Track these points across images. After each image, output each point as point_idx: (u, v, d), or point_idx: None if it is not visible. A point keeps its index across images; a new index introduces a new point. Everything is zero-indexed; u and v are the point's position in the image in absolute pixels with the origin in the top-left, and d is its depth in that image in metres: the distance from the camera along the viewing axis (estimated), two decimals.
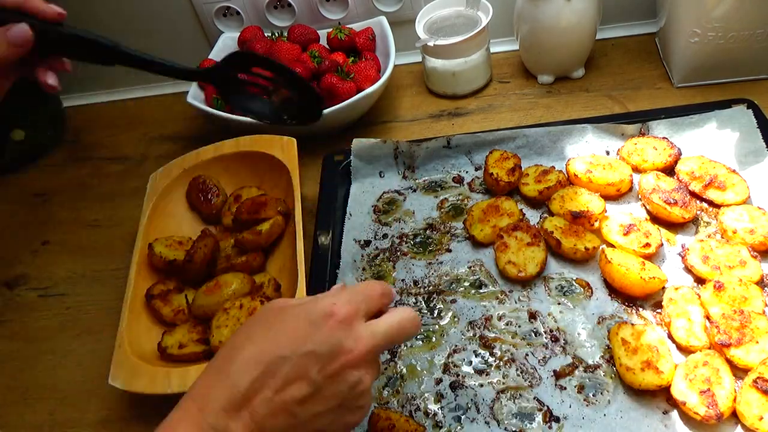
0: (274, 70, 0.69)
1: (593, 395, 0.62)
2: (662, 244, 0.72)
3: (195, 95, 0.96)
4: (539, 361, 0.66)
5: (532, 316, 0.70)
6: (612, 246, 0.73)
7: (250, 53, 0.73)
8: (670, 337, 0.65)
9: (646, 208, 0.76)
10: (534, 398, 0.63)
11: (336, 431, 0.50)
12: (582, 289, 0.71)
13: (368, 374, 0.50)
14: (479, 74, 0.99)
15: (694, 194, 0.76)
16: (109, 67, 0.64)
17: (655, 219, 0.75)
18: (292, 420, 0.47)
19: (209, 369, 0.49)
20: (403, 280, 0.76)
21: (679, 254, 0.71)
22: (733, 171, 0.76)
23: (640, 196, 0.77)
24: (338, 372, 0.48)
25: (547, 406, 0.62)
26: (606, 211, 0.75)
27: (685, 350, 0.64)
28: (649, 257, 0.71)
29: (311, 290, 0.73)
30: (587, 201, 0.75)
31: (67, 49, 0.62)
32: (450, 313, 0.72)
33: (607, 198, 0.77)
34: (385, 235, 0.81)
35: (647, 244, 0.70)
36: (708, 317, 0.64)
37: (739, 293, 0.65)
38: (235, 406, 0.46)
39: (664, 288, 0.69)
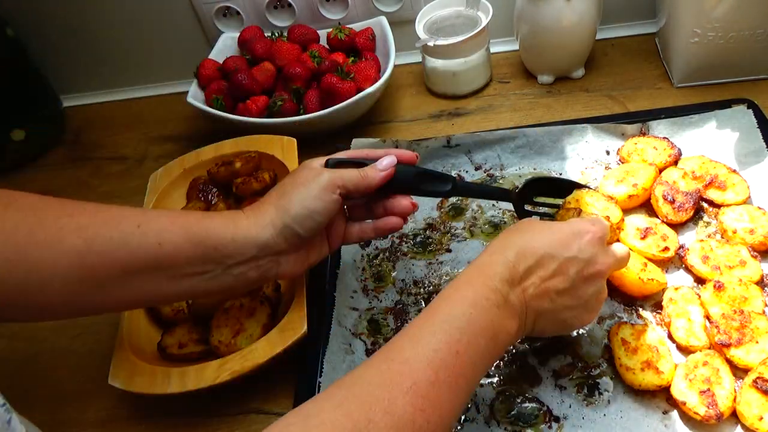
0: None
1: (593, 395, 0.62)
2: (681, 246, 0.72)
3: (195, 95, 0.96)
4: (539, 361, 0.66)
5: None
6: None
7: (553, 179, 0.80)
8: (670, 337, 0.65)
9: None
10: (534, 398, 0.63)
11: (574, 324, 0.61)
12: None
13: (605, 287, 0.60)
14: (479, 74, 0.98)
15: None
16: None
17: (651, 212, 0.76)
18: (549, 305, 0.57)
19: (491, 250, 0.57)
20: (403, 280, 0.76)
21: (679, 254, 0.71)
22: (734, 171, 0.76)
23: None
24: (591, 277, 0.58)
25: (547, 406, 0.62)
26: (624, 220, 0.74)
27: (685, 350, 0.64)
28: (668, 261, 0.71)
29: (311, 290, 0.73)
30: (605, 209, 0.74)
31: (419, 186, 0.67)
32: None
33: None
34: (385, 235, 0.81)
35: (666, 248, 0.70)
36: (708, 317, 0.64)
37: (739, 293, 0.65)
38: (514, 282, 0.54)
39: (664, 288, 0.69)
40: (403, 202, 0.66)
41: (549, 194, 0.75)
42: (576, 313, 0.59)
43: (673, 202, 0.73)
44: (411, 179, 0.66)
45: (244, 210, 0.61)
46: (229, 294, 0.61)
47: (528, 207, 0.74)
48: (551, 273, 0.56)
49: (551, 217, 0.74)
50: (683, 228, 0.74)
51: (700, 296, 0.66)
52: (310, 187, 0.60)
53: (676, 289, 0.68)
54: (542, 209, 0.75)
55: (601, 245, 0.59)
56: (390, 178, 0.63)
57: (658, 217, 0.75)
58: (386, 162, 0.64)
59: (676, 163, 0.79)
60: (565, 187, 0.75)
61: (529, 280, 0.56)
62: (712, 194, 0.75)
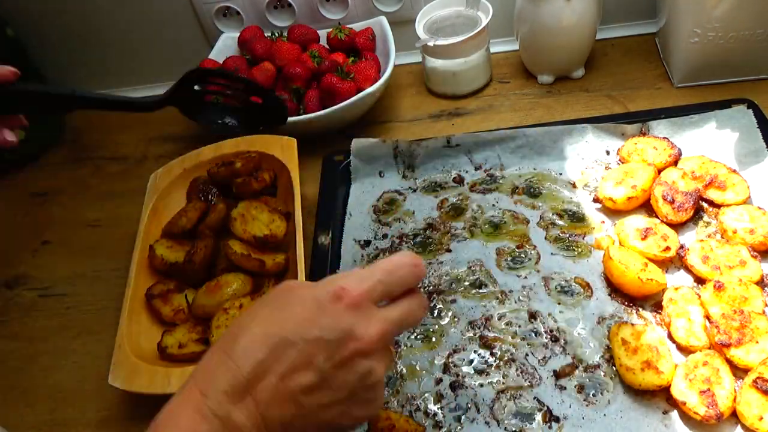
0: (231, 81, 0.71)
1: (593, 395, 0.62)
2: (681, 246, 0.72)
3: None
4: (539, 361, 0.66)
5: (532, 316, 0.69)
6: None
7: (204, 69, 0.73)
8: (670, 337, 0.65)
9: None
10: (534, 398, 0.63)
11: (345, 425, 0.47)
12: (582, 289, 0.71)
13: (380, 364, 0.47)
14: (479, 74, 0.98)
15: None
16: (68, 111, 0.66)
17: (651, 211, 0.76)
18: (297, 410, 0.44)
19: (213, 350, 0.46)
20: None
21: (679, 254, 0.71)
22: (734, 171, 0.76)
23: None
24: (347, 360, 0.45)
25: (547, 406, 0.62)
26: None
27: (685, 350, 0.64)
28: (669, 261, 0.71)
29: None
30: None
31: (22, 105, 0.63)
32: (450, 313, 0.72)
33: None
34: (385, 235, 0.81)
35: (667, 248, 0.70)
36: (708, 317, 0.64)
37: (739, 293, 0.65)
38: (239, 391, 0.43)
39: (664, 289, 0.69)
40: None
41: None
42: (341, 410, 0.46)
43: (672, 202, 0.73)
44: (7, 100, 0.62)
45: None
46: None
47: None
48: (289, 367, 0.43)
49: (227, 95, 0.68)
50: (683, 228, 0.74)
51: (700, 296, 0.66)
52: None
53: (676, 289, 0.68)
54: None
55: (357, 312, 0.45)
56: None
57: (658, 218, 0.75)
58: None
59: (676, 163, 0.79)
60: (230, 80, 0.70)
61: (261, 383, 0.43)
62: (712, 194, 0.75)
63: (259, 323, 0.45)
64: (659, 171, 0.78)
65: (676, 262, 0.71)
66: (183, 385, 0.45)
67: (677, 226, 0.74)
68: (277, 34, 1.02)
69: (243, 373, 0.43)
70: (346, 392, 0.45)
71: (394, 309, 0.48)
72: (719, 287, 0.65)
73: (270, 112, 0.70)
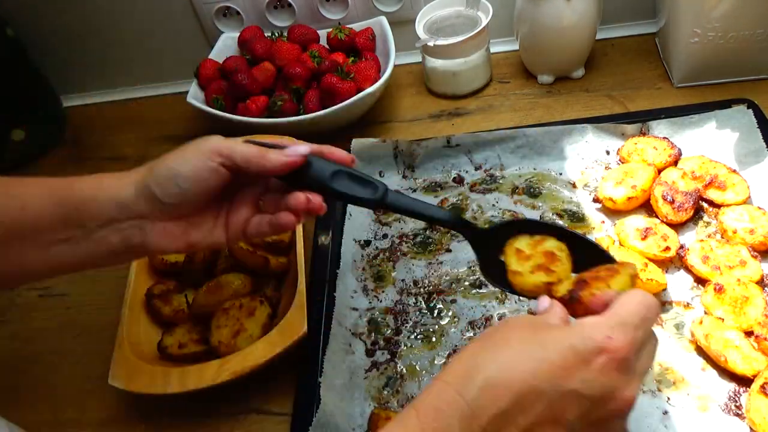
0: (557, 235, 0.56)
1: None
2: (681, 246, 0.72)
3: (195, 95, 0.96)
4: None
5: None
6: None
7: (523, 221, 0.65)
8: (728, 372, 0.62)
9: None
10: None
11: None
12: None
13: (626, 424, 0.42)
14: (479, 74, 0.98)
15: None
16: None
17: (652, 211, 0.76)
18: None
19: (441, 385, 0.40)
20: (403, 280, 0.76)
21: (679, 254, 0.71)
22: (734, 171, 0.76)
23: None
24: (603, 421, 0.40)
25: None
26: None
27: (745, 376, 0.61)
28: (669, 261, 0.71)
29: (311, 290, 0.73)
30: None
31: (333, 185, 0.54)
32: (450, 313, 0.72)
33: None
34: (385, 235, 0.81)
35: (667, 248, 0.70)
36: (749, 333, 0.63)
37: (740, 293, 0.65)
38: None
39: (664, 289, 0.69)
40: (299, 196, 0.53)
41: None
42: None
43: (672, 202, 0.73)
44: (325, 175, 0.54)
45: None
46: (94, 263, 0.56)
47: (503, 258, 0.56)
48: (535, 419, 0.38)
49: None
50: (683, 228, 0.74)
51: (702, 300, 0.66)
52: (187, 149, 0.52)
53: (700, 322, 0.64)
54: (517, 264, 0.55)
55: (625, 371, 0.40)
56: (295, 167, 0.52)
57: (658, 218, 0.75)
58: (298, 149, 0.53)
59: (676, 163, 0.79)
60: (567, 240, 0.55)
61: None
62: (712, 194, 0.75)
63: (502, 364, 0.39)
64: (659, 171, 0.78)
65: (676, 262, 0.71)
66: (401, 417, 0.40)
67: (677, 226, 0.74)
68: (277, 34, 1.02)
69: (480, 422, 0.38)
70: None
71: (647, 358, 0.43)
72: (719, 289, 0.65)
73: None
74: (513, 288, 0.54)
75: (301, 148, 0.53)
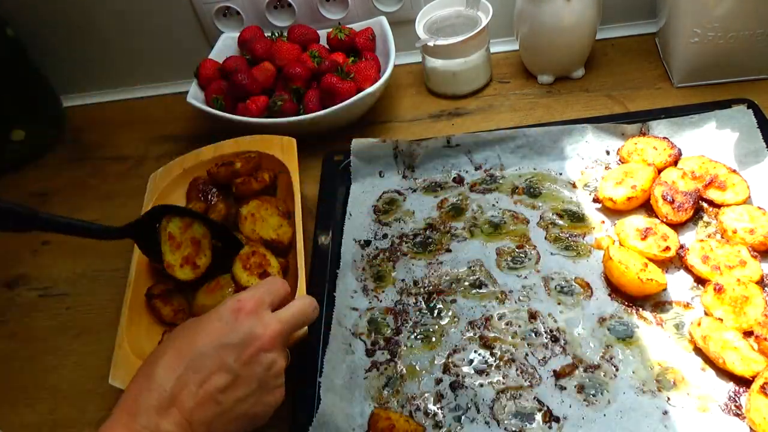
0: (194, 218, 0.72)
1: (593, 395, 0.62)
2: (681, 246, 0.72)
3: (195, 95, 0.96)
4: (539, 361, 0.66)
5: (532, 316, 0.70)
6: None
7: (167, 207, 0.73)
8: (728, 373, 0.62)
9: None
10: (534, 398, 0.63)
11: (259, 413, 0.55)
12: (582, 289, 0.71)
13: (280, 356, 0.56)
14: (479, 74, 0.98)
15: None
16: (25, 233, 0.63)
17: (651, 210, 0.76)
18: (217, 408, 0.52)
19: (134, 380, 0.53)
20: (403, 280, 0.76)
21: (679, 254, 0.71)
22: (734, 171, 0.76)
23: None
24: (253, 356, 0.54)
25: (547, 406, 0.62)
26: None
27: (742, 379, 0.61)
28: (669, 261, 0.71)
29: (311, 290, 0.73)
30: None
31: None
32: (450, 313, 0.72)
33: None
34: (385, 235, 0.81)
35: (667, 248, 0.70)
36: (748, 333, 0.63)
37: (740, 293, 0.65)
38: (165, 405, 0.50)
39: (663, 289, 0.69)
40: None
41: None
42: (254, 400, 0.54)
43: (672, 202, 0.73)
44: None
45: None
46: None
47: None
48: (206, 374, 0.51)
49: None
50: (683, 228, 0.74)
51: (702, 300, 0.66)
52: None
53: (699, 324, 0.64)
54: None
55: (255, 317, 0.55)
56: None
57: (658, 218, 0.75)
58: None
59: (676, 163, 0.79)
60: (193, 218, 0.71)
61: (183, 393, 0.51)
62: (712, 194, 0.75)
63: (174, 346, 0.53)
64: (659, 171, 0.78)
65: (676, 262, 0.71)
66: (109, 416, 0.50)
67: (677, 226, 0.74)
68: (277, 34, 1.02)
69: (166, 389, 0.50)
70: (256, 383, 0.54)
71: (287, 310, 0.58)
72: (719, 289, 0.65)
73: (229, 246, 0.74)
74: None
75: None
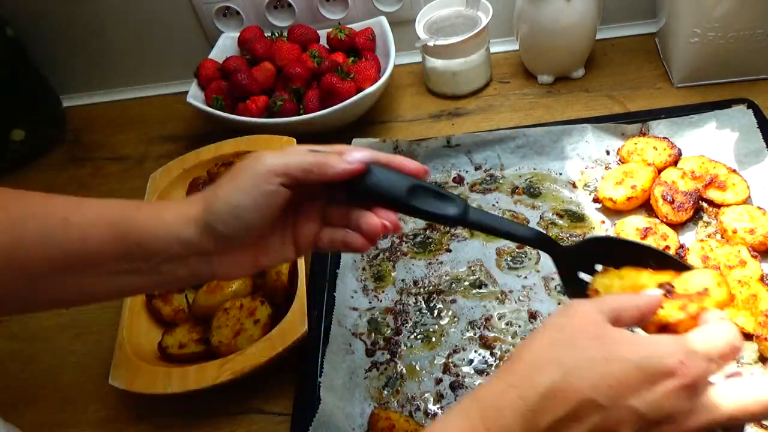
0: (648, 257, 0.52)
1: None
2: (681, 246, 0.72)
3: (195, 95, 0.96)
4: None
5: (532, 316, 0.70)
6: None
7: (619, 240, 0.61)
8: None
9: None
10: None
11: None
12: None
13: None
14: (479, 74, 0.98)
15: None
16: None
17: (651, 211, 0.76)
18: None
19: (503, 382, 0.41)
20: (403, 280, 0.76)
21: (679, 254, 0.71)
22: (734, 171, 0.76)
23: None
24: None
25: None
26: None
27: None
28: None
29: (311, 290, 0.73)
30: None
31: (410, 200, 0.51)
32: (450, 313, 0.72)
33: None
34: (385, 235, 0.81)
35: (666, 248, 0.70)
36: (751, 335, 0.63)
37: (747, 293, 0.64)
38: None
39: None
40: (370, 219, 0.50)
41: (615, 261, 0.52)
42: None
43: (672, 202, 0.73)
44: (401, 192, 0.50)
45: (179, 200, 0.52)
46: (163, 289, 0.56)
47: (584, 276, 0.53)
48: (591, 427, 0.39)
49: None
50: (683, 228, 0.74)
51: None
52: (241, 177, 0.48)
53: None
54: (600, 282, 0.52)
55: (690, 396, 0.39)
56: (356, 174, 0.48)
57: (657, 218, 0.75)
58: (357, 155, 0.49)
59: (676, 163, 0.79)
60: (650, 259, 0.51)
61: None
62: (712, 194, 0.75)
63: (564, 373, 0.39)
64: (659, 171, 0.78)
65: None
66: (462, 408, 0.41)
67: (677, 226, 0.74)
68: (277, 34, 1.02)
69: (539, 426, 0.39)
70: None
71: (733, 395, 0.40)
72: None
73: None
74: None
75: (359, 154, 0.49)
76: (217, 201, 0.48)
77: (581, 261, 0.53)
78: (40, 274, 0.48)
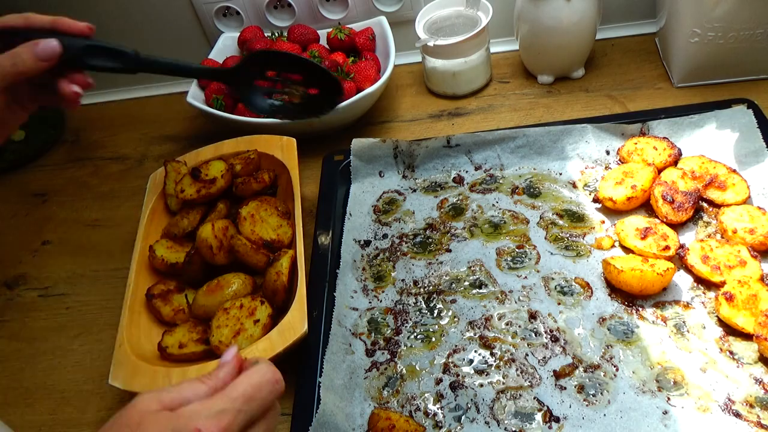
0: (293, 63, 0.71)
1: (593, 395, 0.62)
2: (681, 246, 0.72)
3: (195, 95, 0.96)
4: (539, 361, 0.66)
5: (532, 316, 0.70)
6: (631, 251, 0.73)
7: (269, 51, 0.75)
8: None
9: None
10: (534, 398, 0.63)
11: None
12: (582, 289, 0.71)
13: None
14: (479, 74, 0.98)
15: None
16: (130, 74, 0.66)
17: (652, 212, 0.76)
18: None
19: None
20: (403, 280, 0.76)
21: (679, 254, 0.71)
22: (734, 171, 0.76)
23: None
24: None
25: (547, 406, 0.62)
26: None
27: None
28: (669, 260, 0.71)
29: (311, 290, 0.73)
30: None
31: (90, 62, 0.62)
32: (450, 313, 0.72)
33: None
34: (385, 235, 0.81)
35: (666, 247, 0.70)
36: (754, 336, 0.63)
37: (747, 293, 0.64)
38: None
39: (665, 288, 0.69)
40: (67, 88, 0.61)
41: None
42: None
43: (672, 202, 0.73)
44: (78, 53, 0.60)
45: None
46: None
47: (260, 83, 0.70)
48: None
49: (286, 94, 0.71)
50: (683, 228, 0.74)
51: (718, 311, 0.65)
52: None
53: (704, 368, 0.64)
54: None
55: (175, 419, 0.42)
56: (52, 64, 0.58)
57: (657, 218, 0.75)
58: (45, 45, 0.57)
59: (675, 163, 0.79)
60: (293, 63, 0.71)
61: None
62: (712, 194, 0.75)
63: None
64: (659, 171, 0.78)
65: (676, 262, 0.71)
66: None
67: (677, 226, 0.74)
68: (277, 34, 1.02)
69: None
70: None
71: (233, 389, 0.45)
72: (730, 298, 0.65)
73: (322, 97, 0.72)
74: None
75: (50, 42, 0.57)
76: None
77: (252, 75, 0.69)
78: None
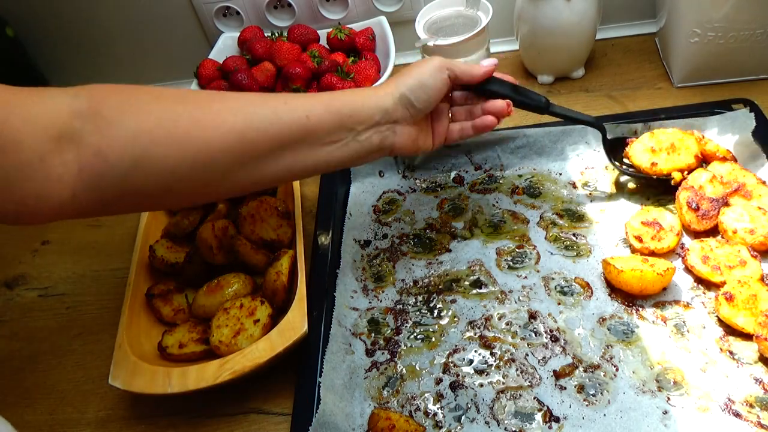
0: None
1: (593, 395, 0.62)
2: (682, 246, 0.71)
3: None
4: (539, 361, 0.66)
5: (532, 316, 0.70)
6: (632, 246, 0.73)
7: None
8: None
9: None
10: (534, 398, 0.63)
11: None
12: (582, 289, 0.71)
13: None
14: None
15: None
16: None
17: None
18: None
19: None
20: (403, 280, 0.76)
21: (679, 254, 0.71)
22: (763, 182, 0.74)
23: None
24: None
25: (547, 406, 0.62)
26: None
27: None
28: (667, 256, 0.71)
29: (311, 290, 0.73)
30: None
31: (509, 95, 0.72)
32: (450, 313, 0.72)
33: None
34: (385, 235, 0.81)
35: (661, 238, 0.71)
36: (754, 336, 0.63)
37: (747, 293, 0.64)
38: None
39: (665, 287, 0.69)
40: (498, 103, 0.71)
41: None
42: None
43: (697, 209, 0.72)
44: (507, 88, 0.72)
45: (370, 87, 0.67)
46: (353, 162, 0.67)
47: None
48: None
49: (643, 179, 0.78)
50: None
51: (718, 312, 0.65)
52: (423, 66, 0.67)
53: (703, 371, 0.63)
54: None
55: None
56: (489, 75, 0.70)
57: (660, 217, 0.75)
58: (489, 61, 0.71)
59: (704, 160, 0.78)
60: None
61: None
62: (736, 203, 0.73)
63: None
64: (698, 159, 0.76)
65: (676, 262, 0.71)
66: None
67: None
68: (277, 34, 1.02)
69: None
70: None
71: None
72: (730, 298, 0.64)
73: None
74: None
75: (489, 61, 0.71)
76: (409, 79, 0.66)
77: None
78: (267, 151, 0.59)
